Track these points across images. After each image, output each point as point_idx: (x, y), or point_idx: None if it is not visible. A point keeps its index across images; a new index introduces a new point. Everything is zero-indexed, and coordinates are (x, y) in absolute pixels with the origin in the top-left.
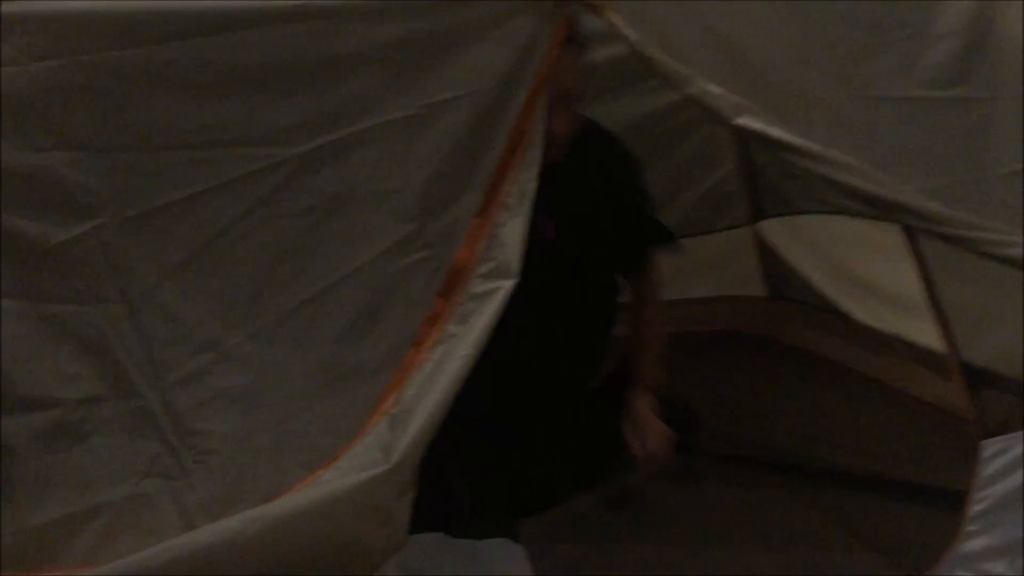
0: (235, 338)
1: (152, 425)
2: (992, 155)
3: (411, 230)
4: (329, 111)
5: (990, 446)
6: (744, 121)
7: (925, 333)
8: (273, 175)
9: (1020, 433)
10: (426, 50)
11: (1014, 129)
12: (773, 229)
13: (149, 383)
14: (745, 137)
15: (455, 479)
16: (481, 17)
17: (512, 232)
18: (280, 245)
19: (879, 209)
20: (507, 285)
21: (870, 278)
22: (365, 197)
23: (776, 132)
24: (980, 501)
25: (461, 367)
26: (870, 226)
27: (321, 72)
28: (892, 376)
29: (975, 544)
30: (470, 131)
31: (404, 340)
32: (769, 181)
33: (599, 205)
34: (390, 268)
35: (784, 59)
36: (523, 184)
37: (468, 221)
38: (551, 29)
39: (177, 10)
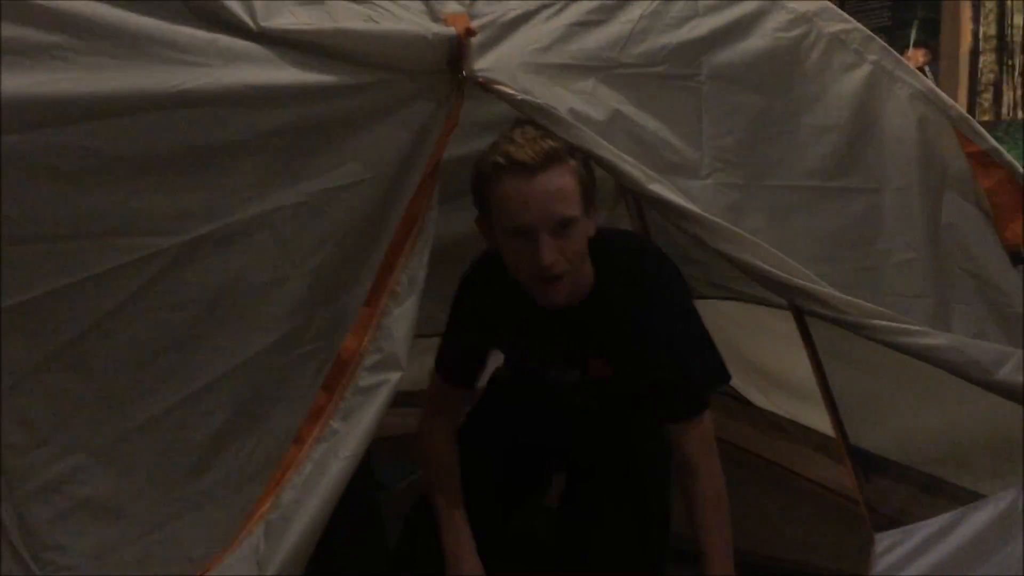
0: (101, 441)
1: (2, 540)
2: (882, 245)
3: (299, 322)
4: (212, 200)
5: (883, 540)
6: (656, 189)
7: (821, 418)
8: (149, 267)
9: (912, 527)
10: (317, 136)
11: (902, 220)
12: None
13: (1, 494)
14: (654, 205)
15: None
16: (375, 103)
17: (400, 322)
18: (155, 341)
19: (775, 290)
20: (394, 378)
21: (767, 364)
22: (251, 288)
23: (685, 203)
24: None
25: (345, 469)
26: (767, 313)
27: (203, 160)
28: (790, 460)
29: None
30: (363, 218)
31: (287, 439)
32: None
33: (640, 342)
34: (276, 363)
35: (678, 141)
36: (413, 271)
37: (357, 310)
38: (444, 114)
39: (51, 96)
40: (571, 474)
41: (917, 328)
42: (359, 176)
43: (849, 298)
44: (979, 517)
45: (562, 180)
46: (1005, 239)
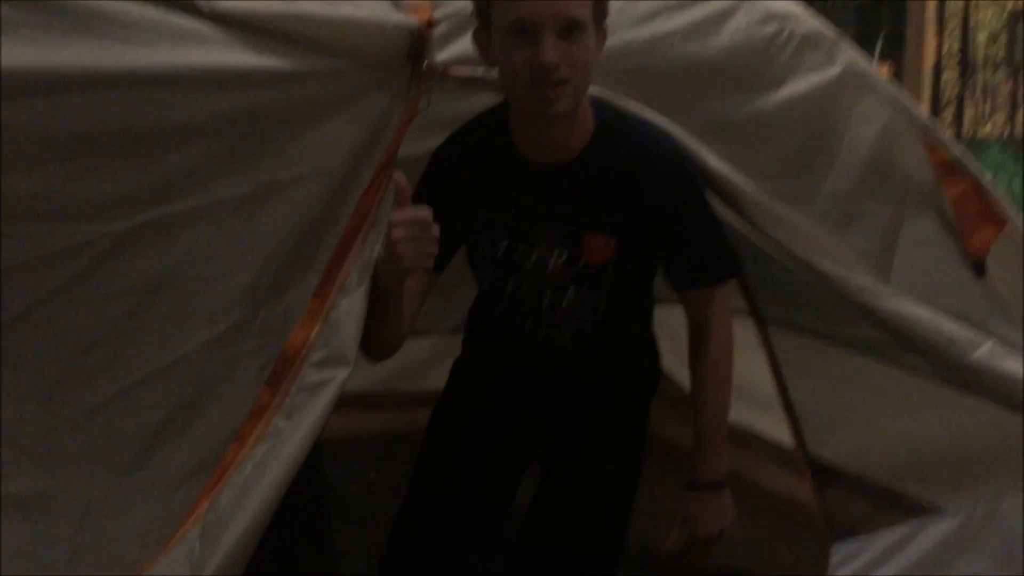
0: (30, 436)
1: None
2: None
3: (243, 316)
4: (155, 185)
5: (839, 551)
6: None
7: (779, 428)
8: (87, 253)
9: (869, 538)
10: (268, 124)
11: (849, 228)
12: None
13: None
14: None
15: None
16: (331, 93)
17: (349, 316)
18: (91, 331)
19: (755, 217)
20: (341, 375)
21: None
22: (193, 280)
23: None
24: None
25: (287, 469)
26: None
27: (147, 143)
28: (748, 471)
29: None
30: (314, 211)
31: (227, 437)
32: None
33: (645, 212)
34: (217, 358)
35: None
36: (363, 265)
37: (305, 305)
38: (403, 107)
39: None
40: (545, 472)
41: (896, 292)
42: (311, 168)
43: (832, 239)
44: (936, 530)
45: None
46: (969, 249)
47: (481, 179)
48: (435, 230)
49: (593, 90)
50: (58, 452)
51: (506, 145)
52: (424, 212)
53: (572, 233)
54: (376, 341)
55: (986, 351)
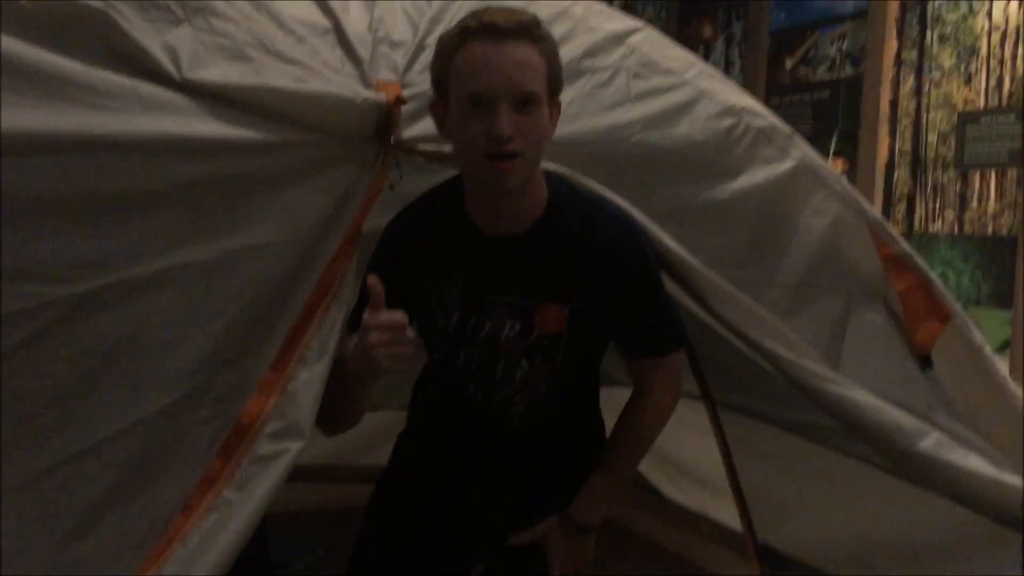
0: None
1: None
2: None
3: (199, 384)
4: (116, 250)
5: None
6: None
7: (729, 513)
8: (42, 316)
9: None
10: (234, 192)
11: (798, 317)
12: None
13: None
14: None
15: None
16: (297, 163)
17: (307, 388)
18: (41, 395)
19: (708, 297)
20: (295, 447)
21: (680, 456)
22: (151, 345)
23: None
24: None
25: (235, 542)
26: (681, 404)
27: (110, 208)
28: (698, 555)
29: None
30: (276, 280)
31: (176, 508)
32: None
33: (602, 270)
34: (170, 426)
35: None
36: (324, 337)
37: (262, 375)
38: (369, 179)
39: None
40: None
41: (846, 380)
42: (274, 237)
43: (783, 326)
44: None
45: (531, 54)
46: (915, 342)
47: (434, 250)
48: (410, 332)
49: (548, 165)
50: (1, 517)
51: (460, 216)
52: (398, 316)
53: (525, 304)
54: (335, 417)
55: (932, 441)
